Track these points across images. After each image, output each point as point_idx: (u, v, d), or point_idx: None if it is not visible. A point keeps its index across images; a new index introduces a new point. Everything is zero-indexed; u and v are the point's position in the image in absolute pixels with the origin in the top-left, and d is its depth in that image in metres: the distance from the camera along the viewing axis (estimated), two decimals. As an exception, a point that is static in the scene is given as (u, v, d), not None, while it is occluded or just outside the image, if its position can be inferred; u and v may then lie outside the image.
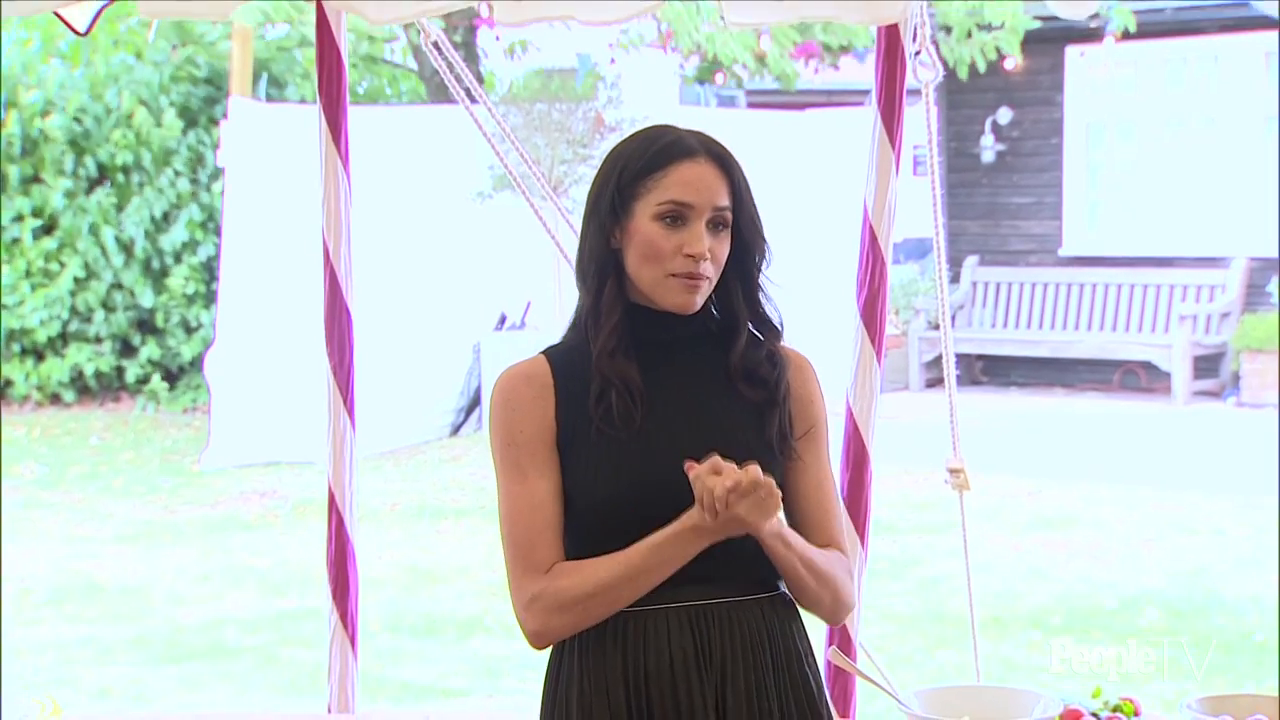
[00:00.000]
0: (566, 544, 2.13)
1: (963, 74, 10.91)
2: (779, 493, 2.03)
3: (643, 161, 2.11)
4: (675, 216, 2.09)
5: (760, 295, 2.18)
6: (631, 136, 2.18)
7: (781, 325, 2.20)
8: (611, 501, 2.09)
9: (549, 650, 2.18)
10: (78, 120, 12.85)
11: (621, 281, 2.14)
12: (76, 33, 3.39)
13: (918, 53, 3.21)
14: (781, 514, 2.10)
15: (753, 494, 2.00)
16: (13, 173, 12.74)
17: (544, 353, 2.18)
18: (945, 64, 12.18)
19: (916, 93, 3.34)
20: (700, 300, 2.12)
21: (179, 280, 12.72)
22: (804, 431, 2.18)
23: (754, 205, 2.14)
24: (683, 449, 2.06)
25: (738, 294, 2.16)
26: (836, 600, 2.17)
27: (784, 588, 2.18)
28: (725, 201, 2.11)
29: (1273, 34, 11.54)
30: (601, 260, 2.14)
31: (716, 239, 2.11)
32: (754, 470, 2.00)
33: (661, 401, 2.12)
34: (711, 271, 2.11)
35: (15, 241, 12.72)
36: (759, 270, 2.17)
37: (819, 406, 2.22)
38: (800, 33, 11.74)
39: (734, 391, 2.16)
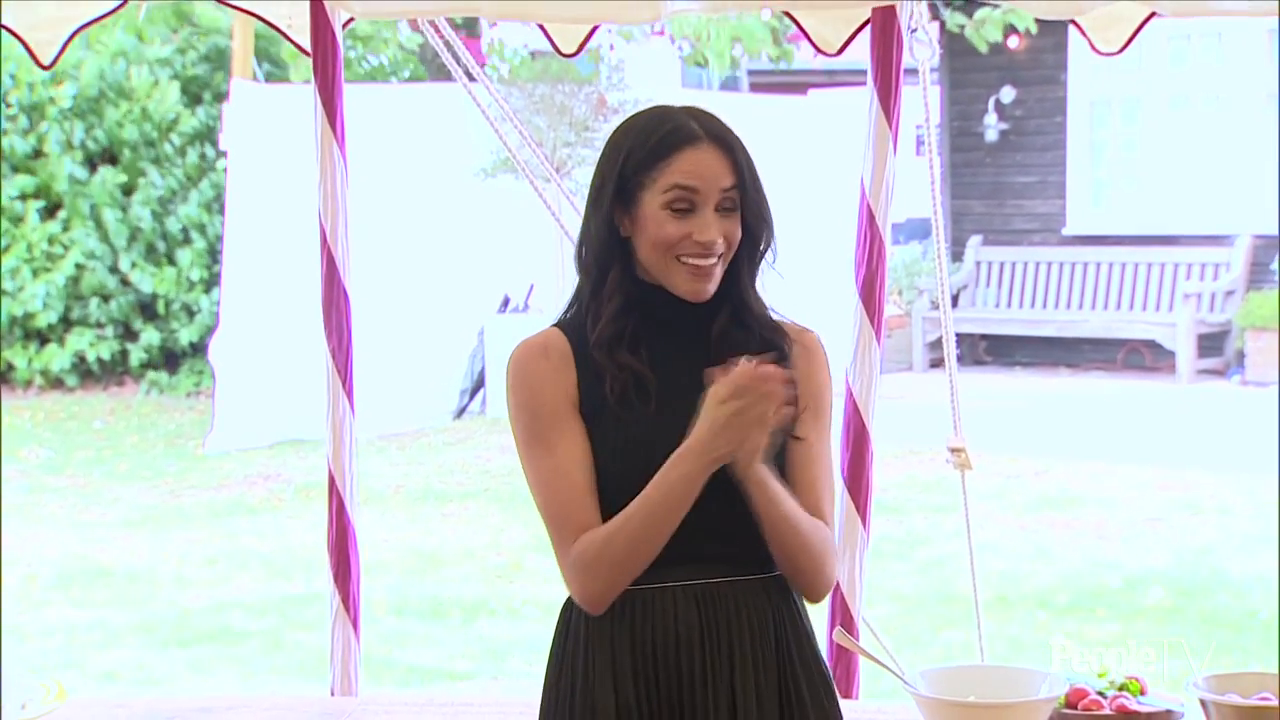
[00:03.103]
0: None
1: (981, 46, 10.85)
2: (778, 392, 1.99)
3: (646, 150, 2.09)
4: (684, 204, 2.08)
5: (754, 277, 2.16)
6: (631, 122, 2.15)
7: (765, 307, 2.19)
8: (619, 477, 2.10)
9: (554, 628, 2.20)
10: (85, 95, 12.82)
11: (628, 268, 2.13)
12: (41, 65, 3.37)
13: (913, 30, 3.20)
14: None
15: (747, 395, 1.98)
16: (17, 147, 12.71)
17: (556, 325, 2.18)
18: (944, 39, 12.15)
19: (918, 72, 3.33)
20: (712, 287, 2.11)
21: (181, 265, 12.72)
22: (802, 408, 2.16)
23: (759, 185, 2.13)
24: (681, 425, 2.07)
25: (735, 273, 2.15)
26: (819, 572, 2.14)
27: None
28: (730, 182, 2.09)
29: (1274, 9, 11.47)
30: (605, 249, 2.13)
31: (727, 221, 2.10)
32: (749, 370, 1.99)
33: (665, 379, 2.13)
34: (722, 251, 2.11)
35: (18, 221, 12.69)
36: (761, 253, 2.15)
37: (819, 383, 2.19)
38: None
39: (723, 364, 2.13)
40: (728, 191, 2.09)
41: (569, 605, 2.17)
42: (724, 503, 2.10)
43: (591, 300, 2.14)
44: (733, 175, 2.09)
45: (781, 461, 2.15)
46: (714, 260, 2.10)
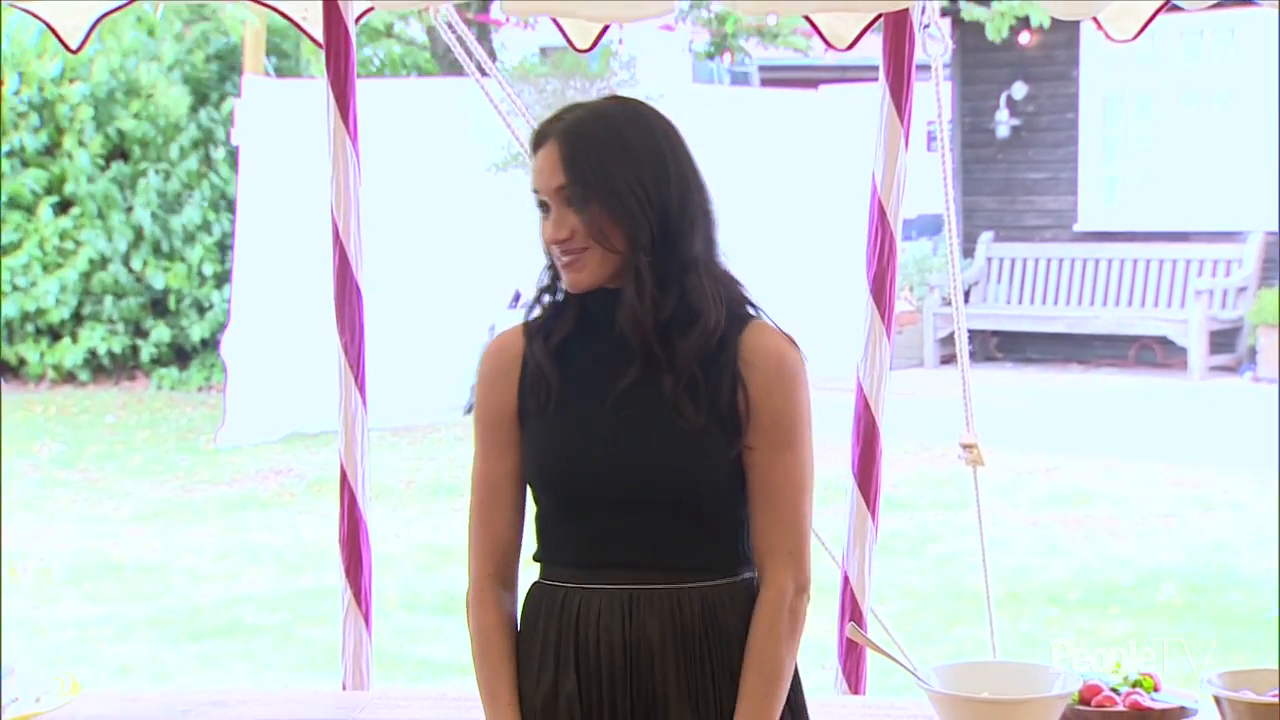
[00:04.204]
0: (536, 520, 2.18)
1: (996, 37, 10.82)
2: None
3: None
4: (542, 205, 2.12)
5: (652, 267, 2.07)
6: None
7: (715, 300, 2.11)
8: (541, 474, 2.15)
9: None
10: (95, 94, 12.84)
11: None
12: (69, 49, 3.38)
13: (926, 26, 3.19)
14: None
15: None
16: (29, 144, 12.72)
17: (525, 322, 2.19)
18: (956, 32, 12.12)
19: (930, 68, 3.33)
20: (584, 277, 2.10)
21: (192, 261, 12.74)
22: (764, 426, 2.09)
23: (607, 176, 2.06)
24: (598, 427, 2.09)
25: (624, 264, 2.09)
26: (795, 645, 2.15)
27: (744, 575, 2.15)
28: (560, 180, 2.07)
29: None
30: (545, 246, 2.17)
31: (574, 215, 2.08)
32: None
33: (584, 376, 2.12)
34: (583, 244, 2.08)
35: (30, 216, 12.70)
36: (637, 239, 2.07)
37: (782, 403, 2.09)
38: None
39: (640, 359, 2.10)
40: (559, 189, 2.09)
41: (528, 593, 2.20)
42: (649, 511, 2.09)
43: (537, 297, 2.18)
44: (563, 172, 2.07)
45: (728, 464, 2.10)
46: (573, 255, 2.09)
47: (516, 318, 2.22)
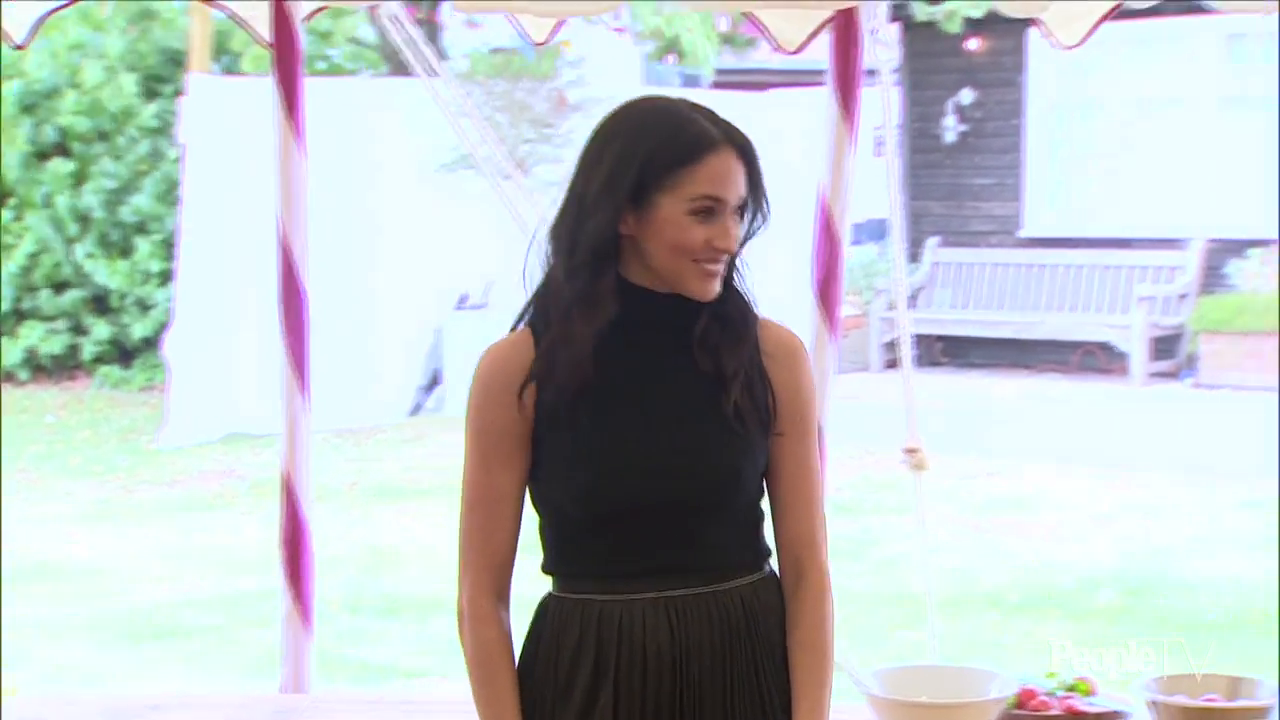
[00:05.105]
0: (550, 531, 2.13)
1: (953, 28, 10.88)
2: None
3: (672, 152, 2.05)
4: (708, 210, 2.07)
5: (739, 272, 2.16)
6: (642, 121, 2.08)
7: (750, 298, 2.17)
8: (582, 487, 2.07)
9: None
10: (34, 90, 12.70)
11: (618, 267, 2.08)
12: (15, 45, 3.35)
13: (874, 32, 3.21)
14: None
15: None
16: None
17: (529, 324, 2.12)
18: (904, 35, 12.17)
19: (878, 73, 3.35)
20: (719, 286, 2.11)
21: (136, 258, 12.62)
22: (791, 416, 2.14)
23: (764, 187, 2.13)
24: (647, 433, 2.07)
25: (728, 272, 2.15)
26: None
27: (769, 568, 2.16)
28: (744, 191, 2.10)
29: (1230, 16, 11.56)
30: (602, 248, 2.06)
31: (739, 225, 2.11)
32: None
33: (633, 385, 2.09)
34: (731, 253, 2.12)
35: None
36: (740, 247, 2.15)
37: (796, 387, 2.15)
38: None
39: (695, 366, 2.10)
40: (743, 199, 2.10)
41: (543, 606, 2.15)
42: (681, 516, 2.08)
43: (577, 302, 2.06)
44: (748, 183, 2.10)
45: (765, 459, 2.13)
46: (720, 264, 2.10)
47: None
